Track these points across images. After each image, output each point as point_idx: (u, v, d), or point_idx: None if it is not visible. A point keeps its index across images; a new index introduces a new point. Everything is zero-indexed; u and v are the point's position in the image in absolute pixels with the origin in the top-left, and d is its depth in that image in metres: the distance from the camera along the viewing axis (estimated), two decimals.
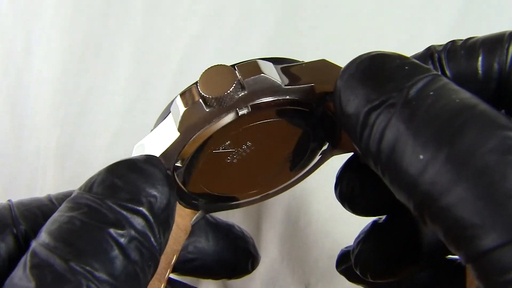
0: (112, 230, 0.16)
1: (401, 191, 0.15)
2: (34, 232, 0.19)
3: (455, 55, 0.19)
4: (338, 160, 0.27)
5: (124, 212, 0.17)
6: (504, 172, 0.13)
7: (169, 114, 0.18)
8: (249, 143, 0.19)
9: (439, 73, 0.17)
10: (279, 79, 0.18)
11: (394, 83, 0.16)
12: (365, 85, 0.16)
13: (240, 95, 0.17)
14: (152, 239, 0.17)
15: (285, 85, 0.18)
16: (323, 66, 0.19)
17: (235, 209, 0.22)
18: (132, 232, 0.16)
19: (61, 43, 0.37)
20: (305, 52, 0.37)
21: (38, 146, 0.36)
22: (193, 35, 0.37)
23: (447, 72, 0.19)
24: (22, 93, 0.37)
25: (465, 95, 0.15)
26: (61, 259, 0.15)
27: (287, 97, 0.18)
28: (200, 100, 0.17)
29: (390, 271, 0.24)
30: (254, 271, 0.36)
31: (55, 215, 0.17)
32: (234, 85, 0.17)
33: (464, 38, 0.20)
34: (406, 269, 0.24)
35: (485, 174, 0.13)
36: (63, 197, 0.21)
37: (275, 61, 0.19)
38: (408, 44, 0.34)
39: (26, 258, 0.16)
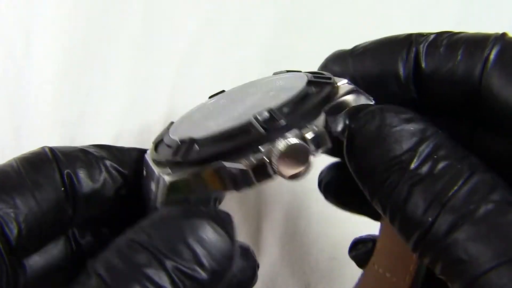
0: None
1: (408, 235, 0.17)
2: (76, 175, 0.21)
3: (435, 51, 0.20)
4: None
5: (185, 280, 0.16)
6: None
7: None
8: None
9: (431, 125, 0.18)
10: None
11: (402, 146, 0.18)
12: (377, 146, 0.18)
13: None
14: None
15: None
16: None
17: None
18: None
19: (61, 43, 0.37)
20: (305, 53, 0.37)
21: (38, 146, 0.36)
22: (193, 36, 0.37)
23: (423, 66, 0.20)
24: (22, 93, 0.37)
25: (463, 154, 0.17)
26: None
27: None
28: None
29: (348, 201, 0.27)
30: None
31: (113, 252, 0.17)
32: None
33: None
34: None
35: (481, 222, 0.16)
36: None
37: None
38: None
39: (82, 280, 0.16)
